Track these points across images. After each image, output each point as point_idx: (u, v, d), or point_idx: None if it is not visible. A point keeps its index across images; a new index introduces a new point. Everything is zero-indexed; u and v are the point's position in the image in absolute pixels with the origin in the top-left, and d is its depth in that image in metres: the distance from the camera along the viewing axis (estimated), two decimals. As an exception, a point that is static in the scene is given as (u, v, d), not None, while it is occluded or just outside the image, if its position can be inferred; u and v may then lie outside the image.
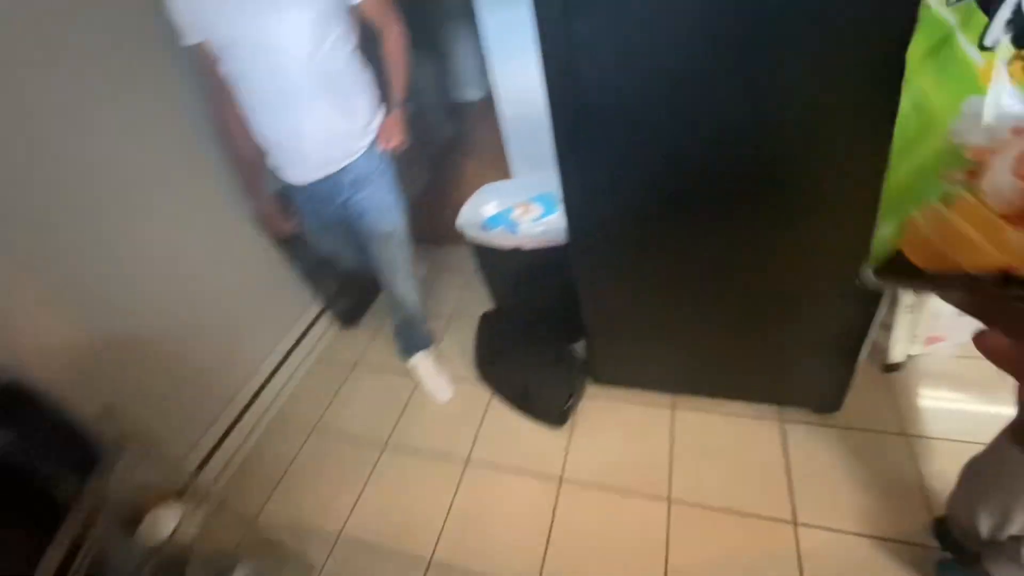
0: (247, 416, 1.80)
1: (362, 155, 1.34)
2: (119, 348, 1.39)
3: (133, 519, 0.97)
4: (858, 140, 0.93)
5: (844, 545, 1.21)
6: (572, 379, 1.59)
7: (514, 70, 1.76)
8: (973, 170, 0.22)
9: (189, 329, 1.61)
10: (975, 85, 0.23)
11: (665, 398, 1.61)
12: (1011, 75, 0.22)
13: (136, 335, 1.44)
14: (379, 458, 1.67)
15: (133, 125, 1.41)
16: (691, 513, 1.34)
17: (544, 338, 1.69)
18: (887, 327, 1.41)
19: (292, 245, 1.81)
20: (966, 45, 0.24)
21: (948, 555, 1.13)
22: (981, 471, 1.01)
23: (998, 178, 0.22)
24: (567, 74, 0.99)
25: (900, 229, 0.27)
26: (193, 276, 1.62)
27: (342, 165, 1.33)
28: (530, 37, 1.60)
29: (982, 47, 0.23)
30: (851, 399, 1.37)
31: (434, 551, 1.40)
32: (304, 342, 2.06)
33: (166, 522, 1.02)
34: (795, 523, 1.27)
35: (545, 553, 1.35)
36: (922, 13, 0.27)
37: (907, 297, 1.35)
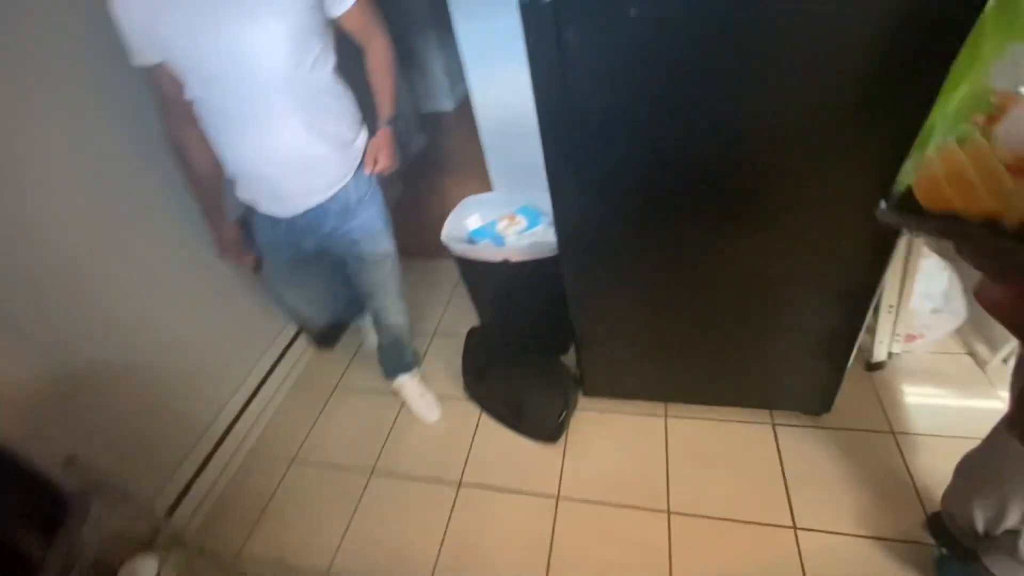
0: (220, 451, 1.69)
1: (350, 181, 1.24)
2: (76, 390, 1.28)
3: (108, 573, 0.88)
4: (846, 149, 0.94)
5: (844, 547, 1.22)
6: (564, 393, 1.56)
7: (491, 80, 1.73)
8: (993, 115, 0.23)
9: (152, 363, 1.50)
10: None
11: (657, 407, 1.60)
12: None
13: (94, 374, 1.33)
14: (366, 485, 1.60)
15: (83, 143, 1.31)
16: (692, 524, 1.33)
17: (533, 352, 1.66)
18: (871, 328, 1.44)
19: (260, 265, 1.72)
20: None
21: (945, 551, 1.14)
22: (976, 466, 1.02)
23: (1013, 126, 0.22)
24: (557, 83, 0.98)
25: (917, 165, 0.27)
26: (153, 306, 1.50)
27: (328, 194, 1.23)
28: (507, 47, 1.63)
29: None
30: (839, 400, 1.39)
31: (431, 581, 1.34)
32: (279, 368, 1.97)
33: (143, 573, 0.94)
34: (795, 527, 1.27)
35: (547, 574, 1.30)
36: None
37: (888, 297, 1.38)
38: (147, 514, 1.12)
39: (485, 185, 1.96)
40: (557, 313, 1.69)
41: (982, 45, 0.24)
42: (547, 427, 1.55)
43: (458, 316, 2.13)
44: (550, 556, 1.34)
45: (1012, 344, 1.41)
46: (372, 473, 1.63)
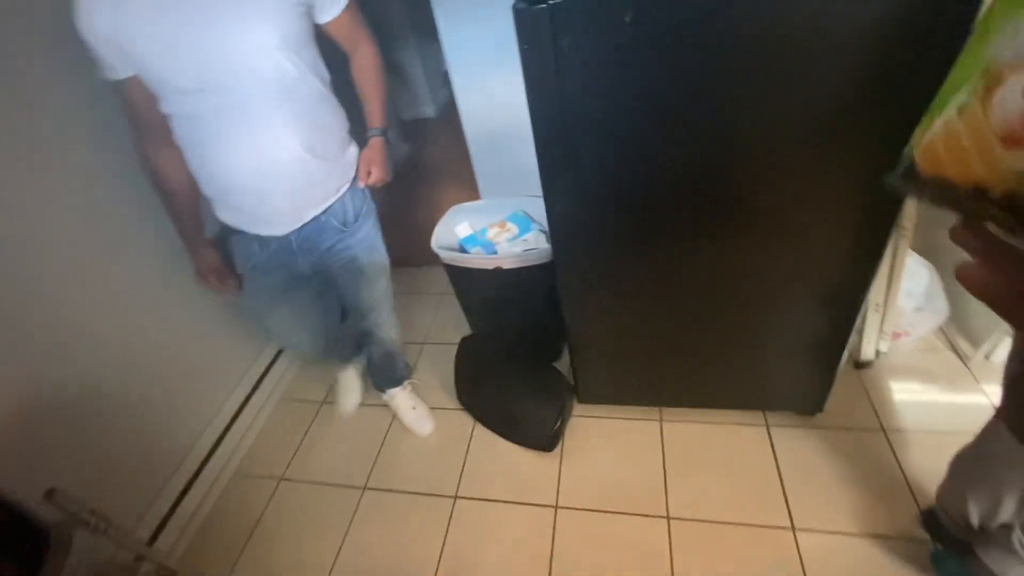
0: (204, 472, 1.62)
1: (346, 193, 1.19)
2: (52, 420, 1.22)
3: (89, 610, 0.83)
4: (837, 154, 0.96)
5: (843, 546, 1.23)
6: (559, 401, 1.55)
7: (477, 87, 1.73)
8: (991, 86, 0.23)
9: (129, 387, 1.43)
10: None
11: (652, 412, 1.60)
12: None
13: (69, 403, 1.26)
14: (359, 502, 1.56)
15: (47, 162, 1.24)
16: (692, 528, 1.32)
17: (527, 360, 1.64)
18: (858, 328, 1.46)
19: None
20: None
21: (940, 547, 1.16)
22: (970, 461, 1.04)
23: (1007, 96, 0.22)
24: (551, 89, 0.97)
25: (923, 133, 0.28)
26: (128, 327, 1.43)
27: (323, 207, 1.16)
28: (493, 53, 1.62)
29: None
30: (829, 399, 1.41)
31: (430, 599, 1.31)
32: (263, 384, 1.91)
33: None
34: (793, 528, 1.28)
35: (549, 587, 1.29)
36: None
37: (875, 296, 1.41)
38: (129, 541, 1.06)
39: (470, 192, 1.95)
40: (549, 319, 1.68)
41: (994, 19, 0.25)
42: (543, 436, 1.54)
43: (447, 325, 2.10)
44: (551, 567, 1.32)
45: (993, 340, 1.45)
46: (364, 489, 1.59)
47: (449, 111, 3.76)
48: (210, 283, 1.26)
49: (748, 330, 1.31)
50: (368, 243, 1.28)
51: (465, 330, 1.88)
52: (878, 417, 1.46)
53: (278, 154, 1.03)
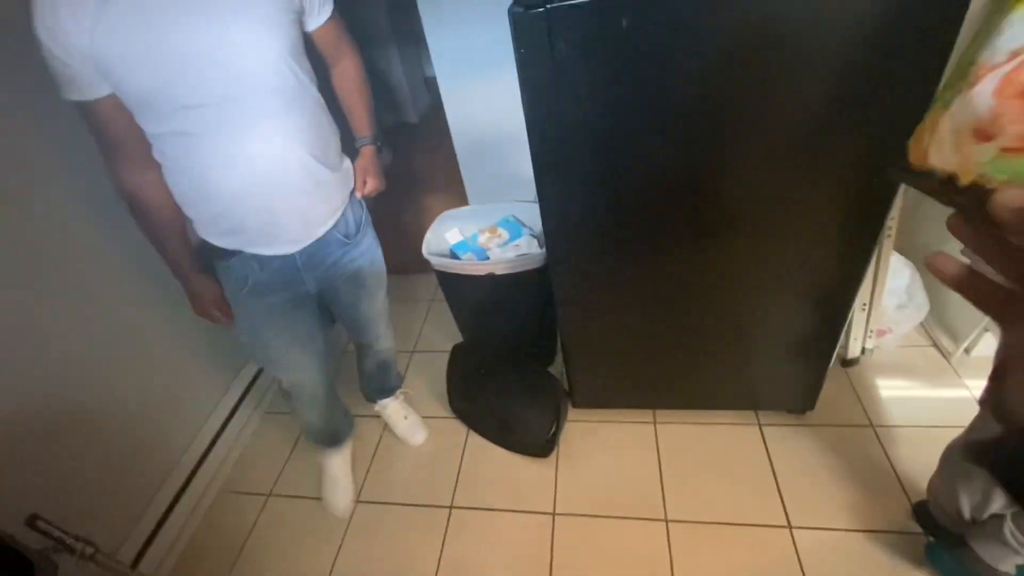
0: (189, 490, 1.57)
1: (347, 205, 1.14)
2: (30, 444, 1.17)
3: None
4: (830, 159, 0.98)
5: (839, 542, 1.25)
6: (554, 406, 1.54)
7: (465, 93, 1.72)
8: (971, 84, 0.26)
9: (108, 406, 1.37)
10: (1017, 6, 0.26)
11: (646, 414, 1.60)
12: None
13: (47, 424, 1.21)
14: (352, 515, 1.52)
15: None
16: (690, 530, 1.33)
17: (520, 365, 1.63)
18: (845, 327, 1.49)
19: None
20: None
21: (932, 539, 1.18)
22: (960, 454, 1.07)
23: (981, 93, 0.25)
24: (548, 94, 0.97)
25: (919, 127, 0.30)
26: (107, 343, 1.38)
27: (331, 222, 1.10)
28: (481, 59, 1.62)
29: None
30: (820, 397, 1.43)
31: (429, 612, 1.28)
32: (249, 396, 1.86)
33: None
34: (790, 527, 1.29)
35: (549, 595, 1.27)
36: None
37: (861, 295, 1.44)
38: (118, 566, 1.01)
39: (456, 198, 1.94)
40: (542, 324, 1.68)
41: (984, 23, 0.27)
42: (538, 442, 1.53)
43: (437, 332, 2.08)
44: (551, 573, 1.30)
45: (973, 335, 1.49)
46: (357, 502, 1.55)
47: (432, 117, 3.76)
48: (213, 316, 1.15)
49: (741, 331, 1.32)
50: (371, 254, 1.24)
51: (455, 337, 1.86)
52: (866, 413, 1.49)
53: (287, 164, 0.97)
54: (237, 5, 0.85)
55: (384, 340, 1.45)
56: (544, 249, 1.49)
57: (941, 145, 0.27)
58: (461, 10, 1.55)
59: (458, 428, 1.70)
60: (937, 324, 1.62)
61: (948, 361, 1.56)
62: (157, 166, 0.95)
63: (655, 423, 1.58)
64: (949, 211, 0.27)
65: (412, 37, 3.48)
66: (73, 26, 0.78)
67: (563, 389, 1.60)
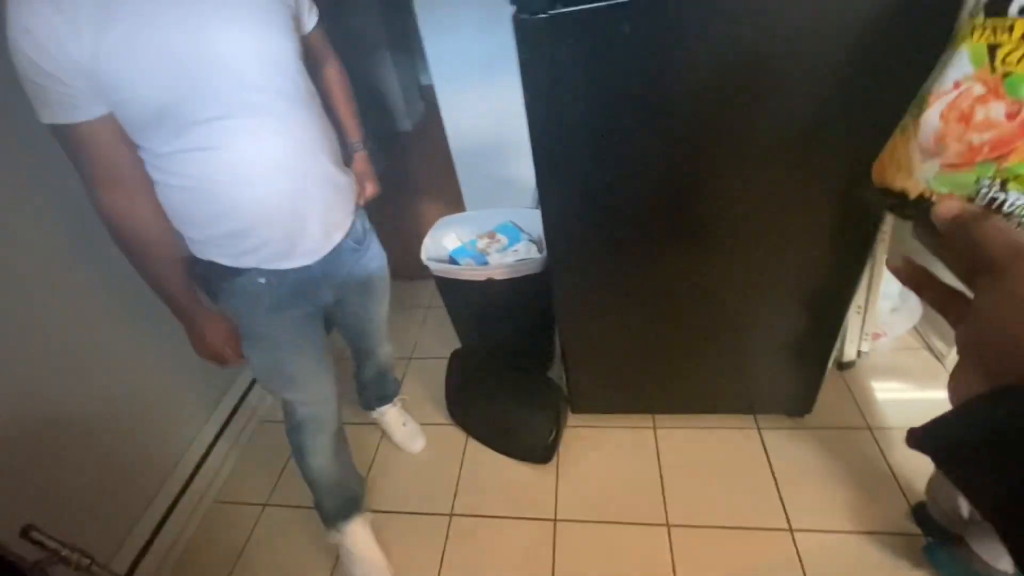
0: (184, 500, 1.54)
1: (357, 210, 1.12)
2: (22, 455, 1.14)
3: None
4: (827, 165, 0.99)
5: (840, 544, 1.25)
6: (554, 412, 1.54)
7: (462, 99, 1.73)
8: (923, 109, 0.29)
9: (101, 414, 1.35)
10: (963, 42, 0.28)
11: (645, 419, 1.61)
12: (975, 39, 0.26)
13: (38, 434, 1.18)
14: (350, 525, 1.50)
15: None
16: (692, 535, 1.33)
17: (519, 371, 1.63)
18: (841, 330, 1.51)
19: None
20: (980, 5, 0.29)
21: (931, 539, 1.19)
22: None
23: (930, 117, 0.28)
24: (550, 99, 0.98)
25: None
26: (99, 353, 1.36)
27: (346, 229, 1.07)
28: (478, 64, 1.63)
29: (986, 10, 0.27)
30: (817, 400, 1.44)
31: (430, 622, 1.27)
32: (243, 407, 1.83)
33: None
34: (791, 529, 1.29)
35: (552, 603, 1.26)
36: None
37: (857, 298, 1.46)
38: (108, 575, 0.99)
39: (453, 205, 1.94)
40: (540, 329, 1.68)
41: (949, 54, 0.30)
42: (539, 447, 1.52)
43: (434, 339, 2.07)
44: (553, 582, 1.30)
45: (965, 337, 1.51)
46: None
47: (426, 124, 3.76)
48: (225, 356, 1.03)
49: (739, 335, 1.33)
50: (379, 259, 1.22)
51: (452, 343, 1.85)
52: (863, 416, 1.50)
53: (310, 171, 0.93)
54: (249, 11, 0.83)
55: (384, 346, 1.44)
56: (542, 254, 1.49)
57: (898, 166, 0.30)
58: (459, 16, 1.56)
59: (457, 435, 1.69)
60: (930, 327, 1.65)
61: (942, 364, 1.59)
62: (152, 192, 0.88)
63: (655, 428, 1.58)
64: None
65: (406, 45, 3.49)
66: (69, 38, 0.69)
67: (563, 394, 1.60)
